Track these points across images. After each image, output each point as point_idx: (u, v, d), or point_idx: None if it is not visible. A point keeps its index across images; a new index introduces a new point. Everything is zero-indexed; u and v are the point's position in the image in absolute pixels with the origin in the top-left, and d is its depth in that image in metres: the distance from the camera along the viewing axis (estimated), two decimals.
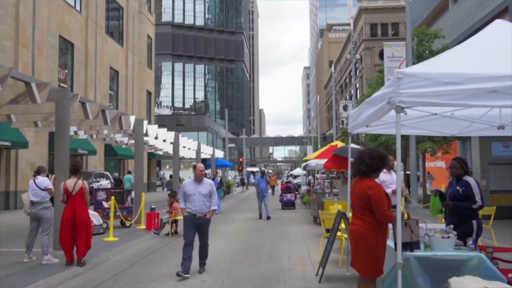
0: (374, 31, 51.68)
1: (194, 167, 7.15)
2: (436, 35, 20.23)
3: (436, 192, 5.86)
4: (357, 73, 51.13)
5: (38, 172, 7.97)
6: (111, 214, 10.74)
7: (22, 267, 7.31)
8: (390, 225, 4.60)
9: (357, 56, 40.33)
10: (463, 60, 4.30)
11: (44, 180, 7.77)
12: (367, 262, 4.21)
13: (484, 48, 4.49)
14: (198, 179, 7.06)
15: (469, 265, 4.29)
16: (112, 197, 11.10)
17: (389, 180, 7.40)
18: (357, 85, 51.13)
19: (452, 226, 4.83)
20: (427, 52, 20.10)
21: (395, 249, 4.39)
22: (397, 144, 4.18)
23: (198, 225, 6.96)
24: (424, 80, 3.86)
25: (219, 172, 38.80)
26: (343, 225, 7.18)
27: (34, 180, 7.75)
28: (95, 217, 11.28)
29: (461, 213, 5.24)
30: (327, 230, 8.21)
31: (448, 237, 4.49)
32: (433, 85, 3.83)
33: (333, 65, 58.20)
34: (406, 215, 4.60)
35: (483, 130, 6.21)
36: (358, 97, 42.35)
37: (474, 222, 5.24)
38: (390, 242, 4.61)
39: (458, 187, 5.31)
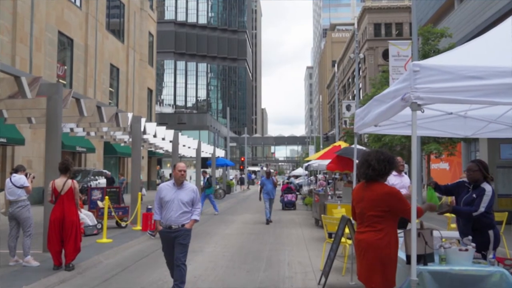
0: (378, 31, 51.21)
1: (174, 166, 5.76)
2: (443, 34, 19.76)
3: (432, 184, 5.39)
4: (360, 73, 50.67)
5: (16, 170, 7.62)
6: (105, 215, 10.34)
7: (7, 271, 6.90)
8: (400, 232, 4.17)
9: (361, 55, 39.80)
10: (486, 53, 3.87)
11: (20, 178, 7.41)
12: (380, 274, 3.77)
13: (508, 40, 4.04)
14: (178, 182, 5.65)
15: (490, 281, 3.84)
16: (106, 197, 10.70)
17: (400, 183, 6.93)
18: (360, 85, 50.67)
19: (470, 237, 4.36)
20: (433, 51, 19.65)
21: (407, 262, 3.97)
22: (413, 146, 3.75)
23: (174, 239, 5.61)
24: (444, 73, 3.42)
25: (218, 172, 38.39)
26: (346, 230, 6.76)
27: (10, 178, 7.40)
28: (89, 217, 10.91)
29: (476, 222, 4.77)
30: (330, 235, 7.81)
31: (466, 250, 4.05)
32: (454, 79, 3.39)
33: (336, 65, 57.67)
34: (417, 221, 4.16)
35: (500, 131, 5.76)
36: (361, 97, 41.88)
37: (491, 232, 4.74)
38: (400, 254, 4.18)
39: (474, 195, 4.80)
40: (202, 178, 19.16)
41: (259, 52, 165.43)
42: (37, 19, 20.34)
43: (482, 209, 4.65)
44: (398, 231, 4.00)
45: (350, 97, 57.47)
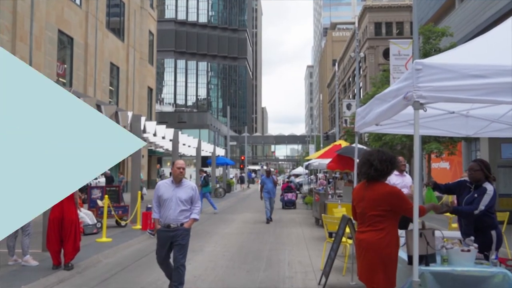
0: (378, 30, 51.11)
1: (173, 164, 5.62)
2: (444, 33, 19.68)
3: (431, 184, 5.32)
4: (361, 72, 50.58)
5: None
6: (105, 213, 10.30)
7: (6, 270, 6.87)
8: (401, 232, 4.14)
9: (362, 54, 39.75)
10: (487, 52, 3.81)
11: None
12: (381, 274, 3.73)
13: (509, 39, 3.99)
14: (177, 180, 5.49)
15: (492, 282, 3.81)
16: (106, 196, 10.66)
17: (401, 183, 6.89)
18: (361, 84, 50.59)
19: (472, 238, 4.31)
20: (434, 50, 19.56)
21: (408, 263, 3.93)
22: (415, 146, 3.70)
23: (173, 238, 5.41)
24: (446, 72, 3.37)
25: (219, 171, 38.35)
26: (347, 230, 6.71)
27: None
28: (88, 216, 10.87)
29: (478, 222, 4.72)
30: (330, 235, 7.78)
31: (469, 250, 4.01)
32: (457, 78, 3.34)
33: (336, 64, 57.61)
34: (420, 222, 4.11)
35: (502, 130, 5.70)
36: (361, 96, 41.84)
37: (493, 232, 4.69)
38: (402, 254, 4.13)
39: (476, 194, 4.75)
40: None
41: (259, 51, 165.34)
42: (37, 18, 20.30)
43: (482, 207, 4.59)
44: (400, 231, 3.96)
45: (351, 96, 57.39)
